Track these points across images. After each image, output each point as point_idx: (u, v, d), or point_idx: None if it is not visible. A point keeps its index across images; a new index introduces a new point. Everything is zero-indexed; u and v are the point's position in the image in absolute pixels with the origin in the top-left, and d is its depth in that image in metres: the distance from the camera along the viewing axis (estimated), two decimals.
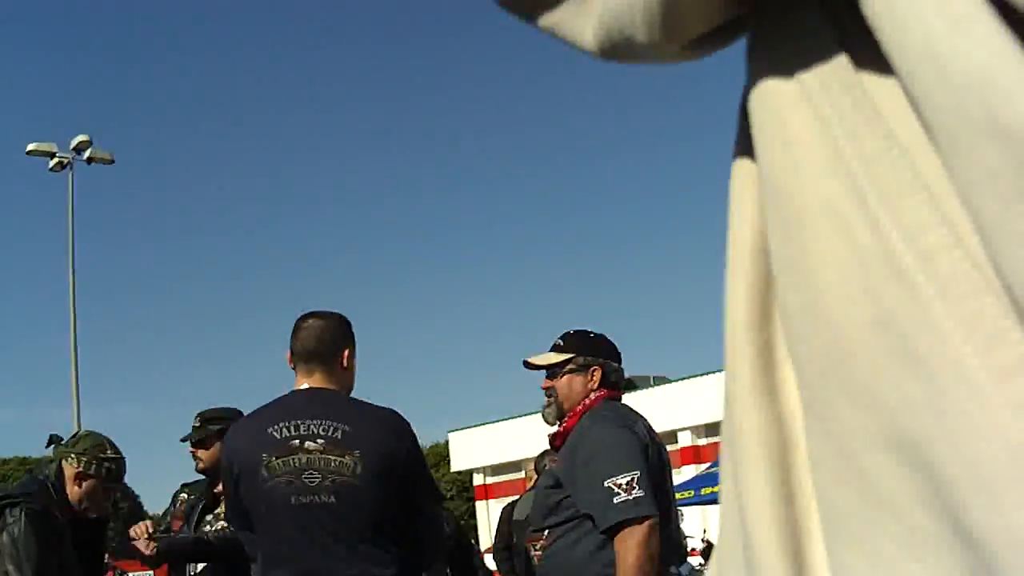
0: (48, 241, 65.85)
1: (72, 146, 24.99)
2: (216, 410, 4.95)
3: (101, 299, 60.44)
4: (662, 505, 3.42)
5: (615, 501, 3.31)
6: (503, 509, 8.77)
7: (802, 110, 0.45)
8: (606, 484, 3.34)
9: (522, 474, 8.62)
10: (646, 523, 3.29)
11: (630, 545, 3.29)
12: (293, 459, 3.24)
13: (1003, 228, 0.35)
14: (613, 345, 3.83)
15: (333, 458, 3.22)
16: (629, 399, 3.87)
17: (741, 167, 0.53)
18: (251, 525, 3.37)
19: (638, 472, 3.34)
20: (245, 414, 4.55)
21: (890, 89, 0.42)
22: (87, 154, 24.94)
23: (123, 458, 4.33)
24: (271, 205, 69.00)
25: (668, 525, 3.48)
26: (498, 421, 24.92)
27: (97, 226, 62.21)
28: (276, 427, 3.28)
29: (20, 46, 65.07)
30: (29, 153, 25.23)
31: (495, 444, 24.49)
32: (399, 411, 3.44)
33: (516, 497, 8.83)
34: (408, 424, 3.42)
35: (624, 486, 3.31)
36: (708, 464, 21.53)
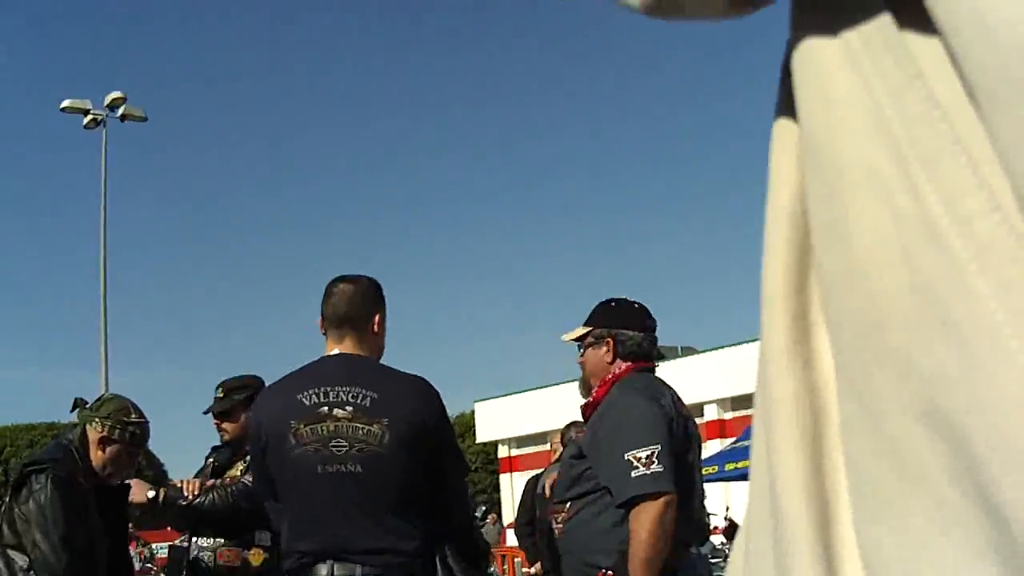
0: (81, 200, 66.28)
1: (106, 103, 25.14)
2: (238, 379, 4.91)
3: (133, 261, 60.78)
4: (685, 481, 3.37)
5: (633, 475, 3.26)
6: (527, 482, 8.75)
7: (845, 69, 0.45)
8: (626, 457, 3.28)
9: (548, 446, 8.62)
10: (662, 499, 3.23)
11: (643, 521, 3.23)
12: (321, 427, 3.21)
13: None
14: (635, 312, 3.72)
15: (361, 426, 3.19)
16: (659, 370, 3.81)
17: (782, 128, 0.53)
18: (276, 494, 3.36)
19: (659, 446, 3.28)
20: (267, 382, 4.56)
21: (933, 49, 0.41)
22: (120, 111, 25.13)
23: (147, 422, 4.31)
24: (304, 167, 69.07)
25: (691, 503, 3.42)
26: (524, 391, 24.88)
27: (130, 184, 62.43)
28: (305, 394, 3.26)
29: (55, 2, 65.25)
30: (63, 110, 25.44)
31: (521, 415, 24.47)
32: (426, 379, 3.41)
33: (541, 470, 8.81)
34: (437, 393, 3.38)
35: (644, 460, 3.25)
36: (733, 439, 21.42)
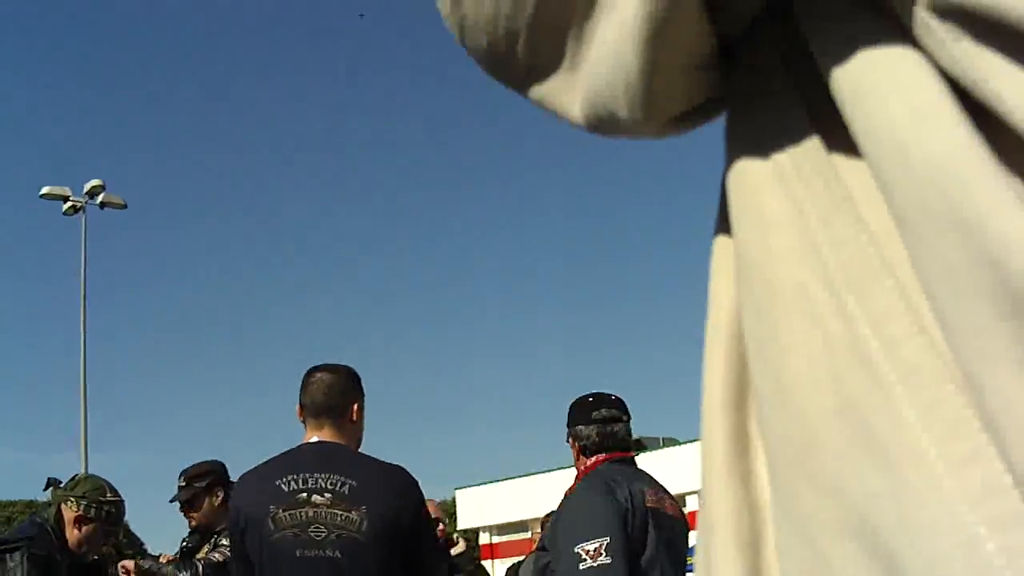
0: (61, 285, 66.05)
1: (85, 190, 25.16)
2: (198, 465, 4.92)
3: (112, 344, 60.45)
4: (639, 573, 3.39)
5: (580, 567, 3.29)
6: (507, 570, 8.74)
7: (777, 192, 0.45)
8: (575, 550, 3.32)
9: (528, 534, 8.59)
10: None
11: None
12: (300, 512, 3.25)
13: (961, 321, 0.36)
14: (585, 406, 3.72)
15: (340, 512, 3.23)
16: (640, 461, 3.81)
17: (721, 245, 0.53)
18: None
19: (608, 538, 3.30)
20: (244, 467, 4.59)
21: (861, 172, 0.41)
22: (100, 199, 25.03)
23: (122, 500, 4.32)
24: (281, 253, 69.00)
25: None
26: (506, 479, 24.75)
27: (110, 270, 62.32)
28: (284, 480, 3.30)
29: (36, 90, 65.73)
30: (43, 196, 25.41)
31: (502, 503, 24.26)
32: (405, 467, 3.46)
33: (522, 557, 8.80)
34: (415, 481, 3.43)
35: (591, 552, 3.28)
36: None
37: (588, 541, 3.30)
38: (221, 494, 4.79)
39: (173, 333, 64.76)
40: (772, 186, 0.45)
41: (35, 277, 62.59)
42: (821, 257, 0.42)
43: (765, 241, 0.45)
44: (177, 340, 65.01)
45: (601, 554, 3.27)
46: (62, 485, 4.25)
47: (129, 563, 4.60)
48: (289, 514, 3.25)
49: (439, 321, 66.28)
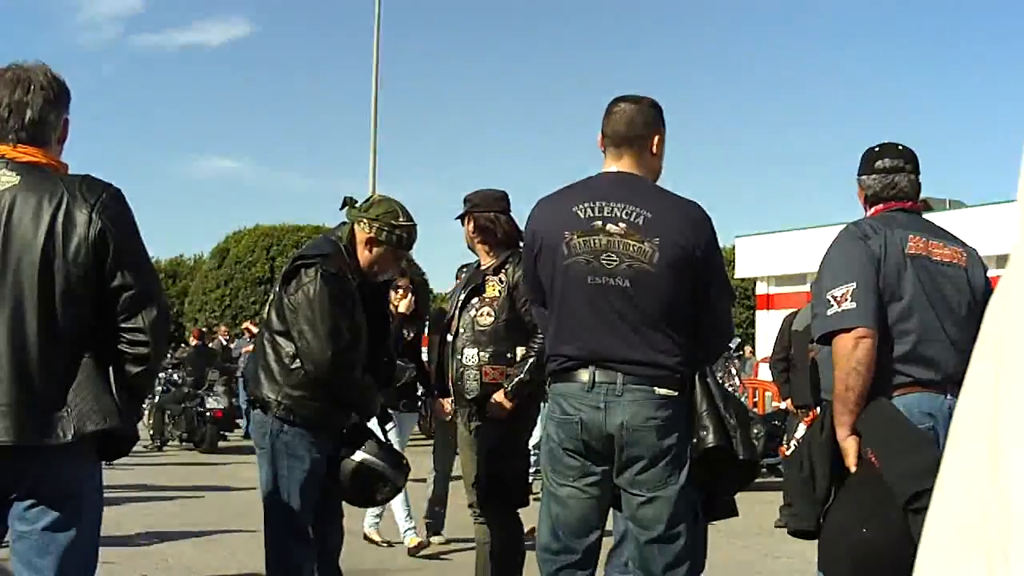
0: (356, 14, 67.83)
1: None
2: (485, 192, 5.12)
3: (405, 75, 61.99)
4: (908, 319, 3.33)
5: (828, 313, 3.32)
6: (784, 319, 8.73)
7: None
8: (827, 296, 3.34)
9: (806, 286, 8.51)
10: (851, 334, 3.25)
11: (836, 357, 3.29)
12: (594, 239, 3.31)
13: None
14: (868, 156, 3.65)
15: (633, 243, 3.27)
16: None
17: None
18: (544, 300, 3.51)
19: (855, 284, 3.29)
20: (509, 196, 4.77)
21: None
22: None
23: (415, 225, 4.31)
24: None
25: (910, 339, 3.34)
26: (788, 231, 24.28)
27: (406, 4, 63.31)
28: (581, 207, 3.36)
29: None
30: None
31: (782, 254, 23.99)
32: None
33: (797, 309, 8.76)
34: (710, 218, 3.42)
35: (838, 297, 3.30)
36: None
37: (837, 287, 3.32)
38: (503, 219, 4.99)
39: (466, 63, 65.88)
40: None
41: (330, 6, 64.65)
42: None
43: None
44: (469, 70, 66.15)
45: (847, 299, 3.28)
46: (357, 205, 4.30)
47: (403, 280, 4.78)
48: (583, 240, 3.32)
49: (744, 59, 64.20)
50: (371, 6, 26.28)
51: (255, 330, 17.30)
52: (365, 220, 4.19)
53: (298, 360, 4.07)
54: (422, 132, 64.60)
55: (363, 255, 4.22)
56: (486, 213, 5.00)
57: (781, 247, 24.45)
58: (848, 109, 62.81)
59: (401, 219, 4.22)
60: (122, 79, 63.08)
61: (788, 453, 3.44)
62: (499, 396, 4.77)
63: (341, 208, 4.34)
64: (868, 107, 61.26)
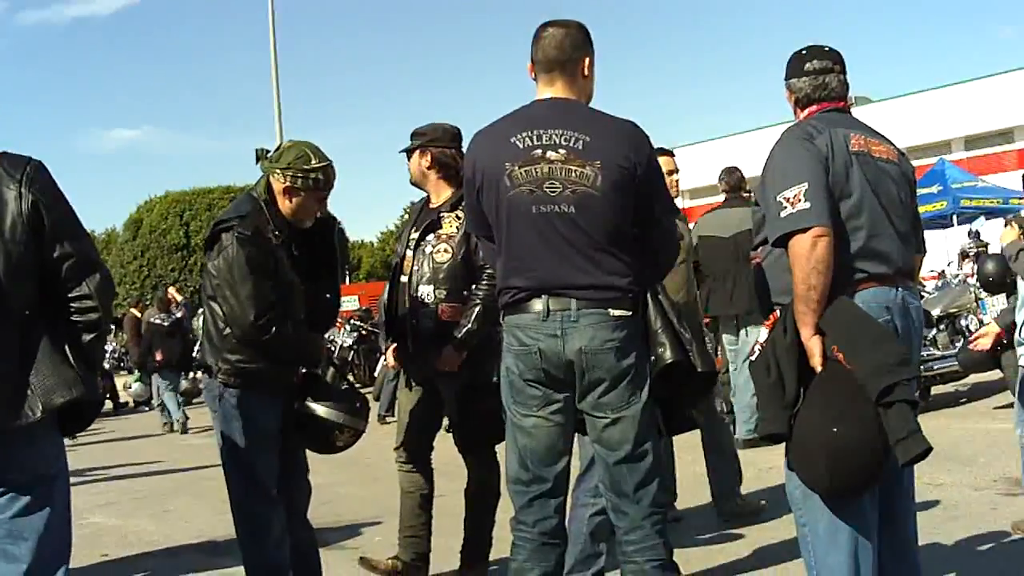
0: None
1: None
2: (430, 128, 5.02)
3: (302, 24, 60.82)
4: (856, 214, 3.34)
5: (781, 215, 3.28)
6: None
7: None
8: (777, 198, 3.30)
9: (719, 197, 8.57)
10: (808, 233, 3.22)
11: (794, 257, 3.26)
12: (535, 168, 3.28)
13: None
14: (795, 59, 3.63)
15: (575, 168, 3.26)
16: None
17: None
18: (491, 234, 3.49)
19: (806, 184, 3.26)
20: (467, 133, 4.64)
21: None
22: None
23: (329, 164, 4.17)
24: None
25: (863, 234, 3.36)
26: (727, 136, 23.85)
27: None
28: (519, 136, 3.32)
29: None
30: None
31: (721, 162, 24.10)
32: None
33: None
34: (647, 136, 3.40)
35: (790, 199, 3.26)
36: None
37: (788, 188, 3.29)
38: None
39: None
40: None
41: None
42: None
43: None
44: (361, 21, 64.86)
45: (800, 200, 3.25)
46: (268, 156, 4.19)
47: None
48: (525, 171, 3.29)
49: None
50: None
51: (179, 297, 17.07)
52: (278, 170, 4.09)
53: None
54: (325, 78, 63.60)
55: (284, 205, 4.13)
56: (446, 148, 4.94)
57: (722, 154, 24.55)
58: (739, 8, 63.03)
59: (313, 161, 4.10)
60: (11, 57, 61.14)
61: (754, 359, 3.40)
62: (448, 350, 4.76)
63: (257, 162, 4.23)
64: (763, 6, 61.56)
